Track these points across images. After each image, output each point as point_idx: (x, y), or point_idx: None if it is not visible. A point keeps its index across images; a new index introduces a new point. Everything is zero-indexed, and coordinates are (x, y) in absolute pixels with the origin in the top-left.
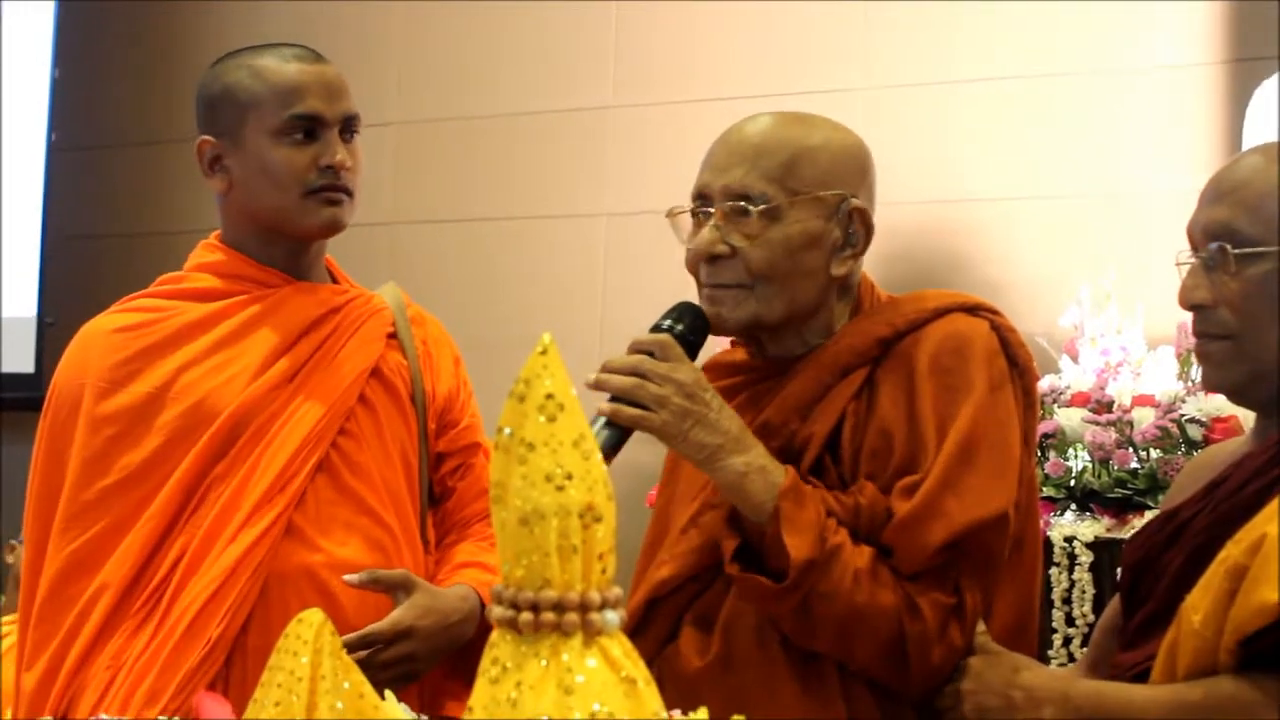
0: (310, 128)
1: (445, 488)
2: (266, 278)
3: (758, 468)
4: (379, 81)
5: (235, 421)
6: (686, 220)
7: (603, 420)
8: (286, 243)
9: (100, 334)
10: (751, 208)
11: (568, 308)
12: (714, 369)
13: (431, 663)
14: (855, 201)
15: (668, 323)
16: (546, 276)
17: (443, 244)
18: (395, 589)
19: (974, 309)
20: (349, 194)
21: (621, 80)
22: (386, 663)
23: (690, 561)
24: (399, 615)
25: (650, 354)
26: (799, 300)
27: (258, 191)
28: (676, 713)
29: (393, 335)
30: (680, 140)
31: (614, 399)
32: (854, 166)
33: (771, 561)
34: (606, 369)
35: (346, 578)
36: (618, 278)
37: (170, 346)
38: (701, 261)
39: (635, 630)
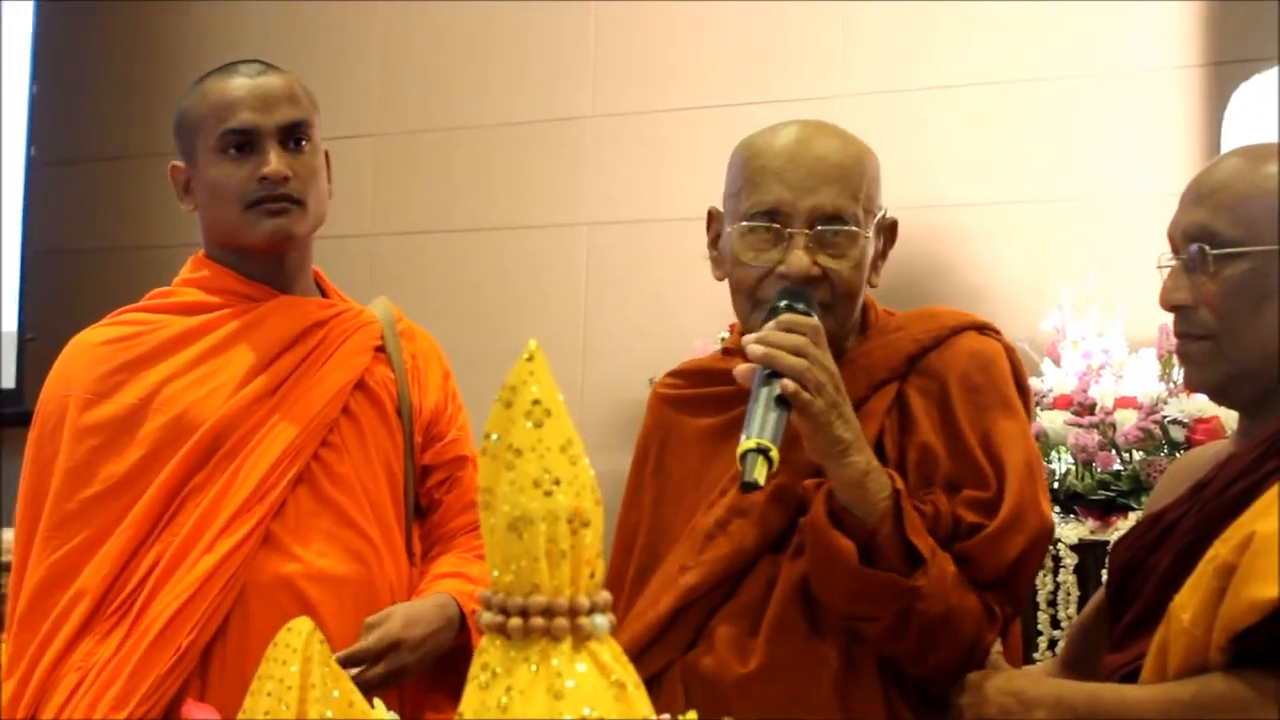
0: (245, 141)
1: (432, 500)
2: (251, 291)
3: (875, 468)
4: (358, 93)
5: (216, 434)
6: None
7: (769, 396)
8: (257, 257)
9: (87, 347)
10: (845, 229)
11: (549, 317)
12: (694, 376)
13: (417, 670)
14: (890, 214)
15: (785, 303)
16: (527, 286)
17: (423, 255)
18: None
19: (982, 328)
20: (294, 202)
21: (600, 89)
22: (376, 679)
23: (719, 569)
24: (385, 630)
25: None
26: (855, 314)
27: (210, 210)
28: (666, 716)
29: (380, 349)
30: (660, 149)
31: (772, 374)
32: (881, 177)
33: (882, 562)
34: (771, 344)
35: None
36: (599, 286)
37: (154, 359)
38: (777, 279)
39: (658, 635)
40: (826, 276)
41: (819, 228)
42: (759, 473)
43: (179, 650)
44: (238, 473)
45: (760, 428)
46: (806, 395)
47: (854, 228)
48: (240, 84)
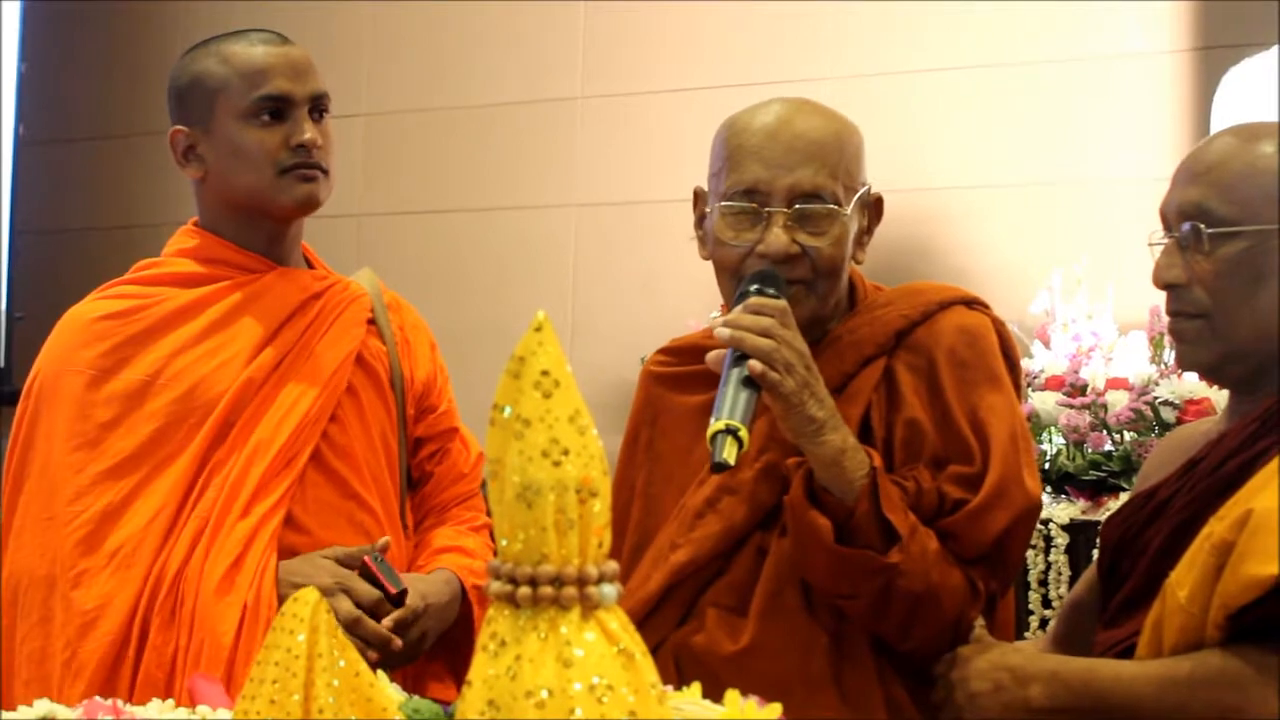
0: (278, 108)
1: (423, 472)
2: (246, 262)
3: (852, 446)
4: (349, 73)
5: (230, 408)
6: (708, 215)
7: (738, 378)
8: (265, 226)
9: (85, 321)
10: (824, 207)
11: (537, 298)
12: (683, 353)
13: (430, 642)
14: (875, 190)
15: (756, 286)
16: (516, 267)
17: (412, 235)
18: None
19: (971, 303)
20: (323, 171)
21: (590, 71)
22: (412, 640)
23: (709, 546)
24: (417, 590)
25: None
26: (839, 291)
27: (232, 175)
28: (669, 687)
29: (371, 321)
30: (649, 131)
31: (741, 356)
32: (864, 153)
33: (859, 539)
34: (736, 326)
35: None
36: (587, 267)
37: (158, 333)
38: (757, 259)
39: (650, 612)
40: (806, 254)
41: (797, 206)
42: (729, 453)
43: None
44: (258, 446)
45: (730, 409)
46: (775, 375)
47: (832, 205)
48: (269, 51)
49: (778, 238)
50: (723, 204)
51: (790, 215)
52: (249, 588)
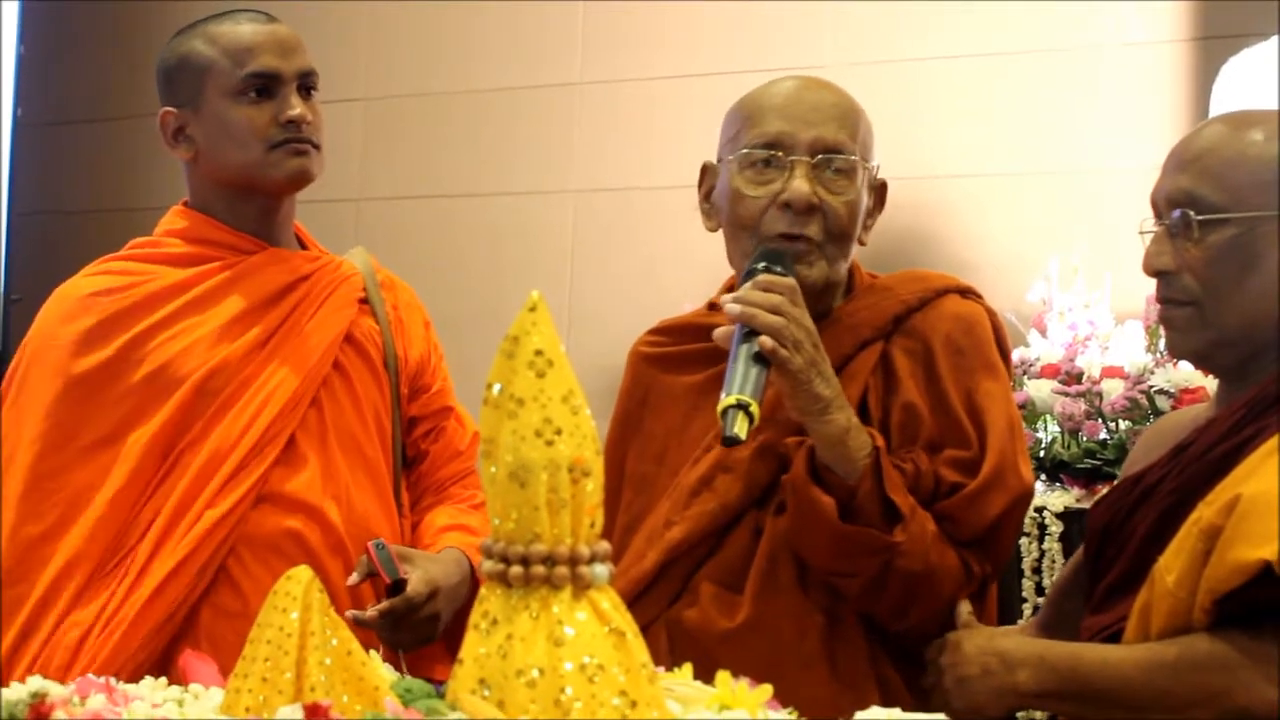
0: (266, 85)
1: (418, 451)
2: (237, 242)
3: (856, 426)
4: (348, 57)
5: (203, 386)
6: (724, 167)
7: (748, 354)
8: (256, 204)
9: (74, 297)
10: (844, 163)
11: (535, 284)
12: (676, 332)
13: (444, 623)
14: (881, 175)
15: (764, 264)
16: (514, 252)
17: (410, 220)
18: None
19: (965, 292)
20: (314, 145)
21: (589, 57)
22: (421, 621)
23: (704, 523)
24: (424, 575)
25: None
26: (844, 265)
27: (222, 154)
28: (660, 668)
29: (364, 300)
30: (648, 117)
31: (750, 332)
32: (874, 137)
33: (862, 518)
34: (746, 302)
35: (349, 582)
36: (585, 253)
37: (141, 311)
38: (779, 210)
39: (644, 589)
40: (822, 210)
41: (819, 157)
42: (740, 427)
43: (177, 602)
44: (234, 427)
45: (741, 384)
46: (784, 352)
47: (854, 157)
48: (256, 30)
49: (800, 185)
50: (744, 151)
51: (813, 165)
52: (192, 582)
